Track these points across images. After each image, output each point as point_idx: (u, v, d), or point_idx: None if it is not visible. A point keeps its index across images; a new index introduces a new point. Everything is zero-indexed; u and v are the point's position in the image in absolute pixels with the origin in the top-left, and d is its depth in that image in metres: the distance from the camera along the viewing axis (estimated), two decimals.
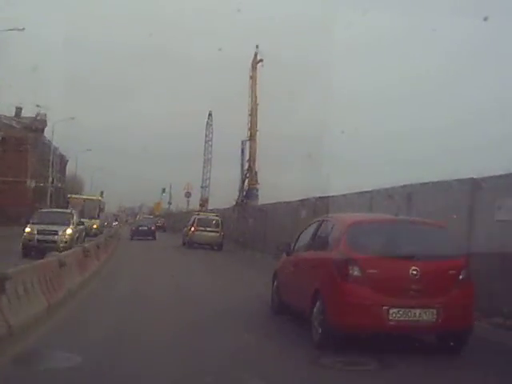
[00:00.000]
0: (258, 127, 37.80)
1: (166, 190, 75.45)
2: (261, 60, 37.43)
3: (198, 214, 32.38)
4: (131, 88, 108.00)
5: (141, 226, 37.81)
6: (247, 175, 38.33)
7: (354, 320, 6.59)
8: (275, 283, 9.30)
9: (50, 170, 45.75)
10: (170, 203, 76.55)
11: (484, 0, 26.85)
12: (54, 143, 53.14)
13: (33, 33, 69.29)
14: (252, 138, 37.89)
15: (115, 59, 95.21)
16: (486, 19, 17.51)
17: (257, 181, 37.77)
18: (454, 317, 6.73)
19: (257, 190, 37.40)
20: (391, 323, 6.57)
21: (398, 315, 6.58)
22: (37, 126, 52.66)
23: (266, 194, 35.31)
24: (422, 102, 68.81)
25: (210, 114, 60.62)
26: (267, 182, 38.45)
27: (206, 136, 61.16)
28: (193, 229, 28.80)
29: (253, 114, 37.51)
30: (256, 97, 37.43)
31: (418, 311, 6.62)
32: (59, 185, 57.25)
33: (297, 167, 45.08)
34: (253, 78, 37.59)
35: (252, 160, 37.86)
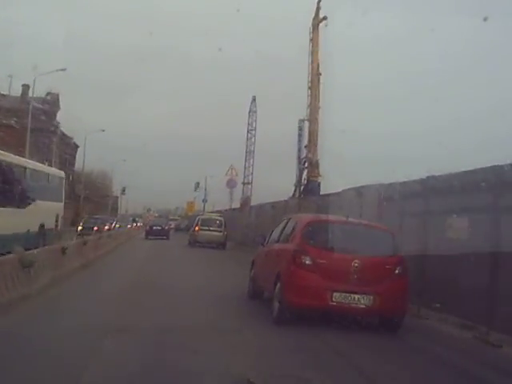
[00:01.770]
0: (320, 103, 30.31)
1: (201, 184, 62.07)
2: (324, 18, 30.57)
3: (203, 215, 34.07)
4: (130, 86, 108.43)
5: (155, 225, 39.70)
6: (305, 165, 31.57)
7: (303, 299, 8.12)
8: (252, 271, 10.84)
9: (27, 149, 31.68)
10: (204, 201, 60.87)
11: (484, 0, 27.78)
12: (58, 119, 47.06)
13: (33, 32, 70.55)
14: (312, 117, 30.59)
15: (115, 58, 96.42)
16: (485, 19, 17.01)
17: (318, 172, 30.43)
18: (388, 303, 8.20)
19: (319, 184, 29.92)
20: (333, 304, 8.08)
21: (340, 298, 8.10)
22: (46, 107, 43.68)
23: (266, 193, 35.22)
24: (421, 101, 70.08)
25: (253, 100, 52.08)
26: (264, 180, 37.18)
27: (248, 124, 52.40)
28: (197, 228, 30.38)
29: (313, 85, 30.67)
30: (318, 64, 30.56)
31: (357, 296, 8.12)
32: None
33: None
34: (313, 40, 31.07)
35: (312, 146, 30.69)
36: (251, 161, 53.87)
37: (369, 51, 72.52)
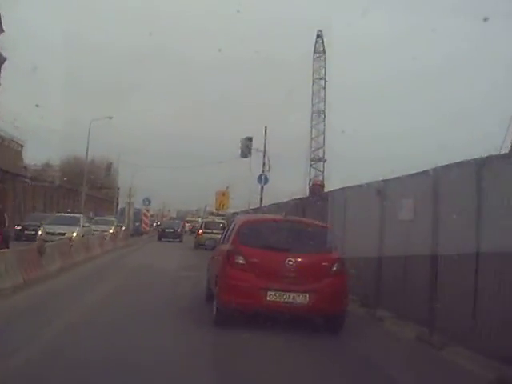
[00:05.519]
0: None
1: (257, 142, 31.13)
2: None
3: (206, 218, 34.52)
4: (130, 86, 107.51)
5: (167, 228, 39.89)
6: None
7: (237, 299, 8.13)
8: (207, 274, 10.91)
9: None
10: (263, 180, 29.43)
11: (484, 0, 27.55)
12: None
13: (32, 32, 71.18)
14: None
15: (114, 58, 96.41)
16: (485, 20, 17.30)
17: None
18: (324, 301, 8.16)
19: None
20: (268, 303, 8.07)
21: (275, 297, 8.09)
22: None
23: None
24: (421, 101, 69.36)
25: (318, 36, 36.63)
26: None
27: (313, 72, 36.75)
28: (200, 231, 30.69)
29: None
30: None
31: (292, 294, 8.10)
32: None
33: (296, 168, 37.96)
34: None
35: None
36: (321, 126, 36.15)
37: (368, 51, 72.12)
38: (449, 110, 61.70)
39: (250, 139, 30.21)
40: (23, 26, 76.08)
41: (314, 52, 37.14)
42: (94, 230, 27.11)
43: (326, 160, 36.61)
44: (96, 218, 35.15)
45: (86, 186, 42.50)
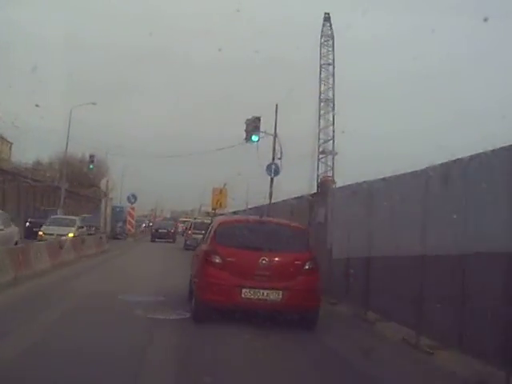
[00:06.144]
0: None
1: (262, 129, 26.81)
2: None
3: (195, 219, 34.93)
4: (130, 86, 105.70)
5: (160, 228, 40.32)
6: None
7: (214, 296, 8.57)
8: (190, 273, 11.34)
9: None
10: (272, 170, 23.51)
11: (484, 0, 27.92)
12: None
13: (32, 32, 70.78)
14: None
15: (114, 58, 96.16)
16: (485, 20, 17.33)
17: None
18: (297, 298, 8.60)
19: None
20: (243, 300, 8.51)
21: (249, 294, 8.52)
22: None
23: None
24: (421, 101, 69.81)
25: (327, 18, 34.86)
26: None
27: (321, 57, 34.75)
28: (189, 232, 31.07)
29: None
30: None
31: (265, 292, 8.54)
32: None
33: (297, 167, 36.14)
34: None
35: None
36: (330, 116, 33.94)
37: (368, 51, 72.60)
38: (449, 110, 62.27)
39: (258, 119, 25.01)
40: (23, 26, 76.17)
41: (322, 36, 35.35)
42: (45, 234, 22.22)
43: (336, 153, 34.47)
44: (53, 216, 26.62)
45: (66, 182, 39.55)
